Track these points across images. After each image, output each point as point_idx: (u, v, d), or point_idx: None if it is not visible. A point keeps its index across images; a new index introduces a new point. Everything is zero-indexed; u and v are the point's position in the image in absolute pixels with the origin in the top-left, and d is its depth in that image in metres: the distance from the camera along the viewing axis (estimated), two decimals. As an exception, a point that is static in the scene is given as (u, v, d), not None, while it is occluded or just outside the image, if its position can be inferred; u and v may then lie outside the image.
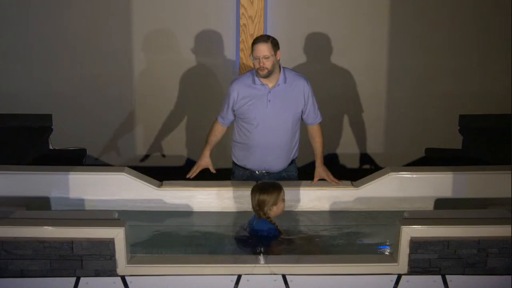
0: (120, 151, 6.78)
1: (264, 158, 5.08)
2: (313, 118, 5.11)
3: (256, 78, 4.98)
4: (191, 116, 6.74)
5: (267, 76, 4.91)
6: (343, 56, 6.63)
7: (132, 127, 6.77)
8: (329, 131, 6.73)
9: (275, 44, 4.89)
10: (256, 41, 4.90)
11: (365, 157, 6.91)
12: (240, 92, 5.00)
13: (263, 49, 4.85)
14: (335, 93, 6.71)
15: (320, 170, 5.14)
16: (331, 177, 5.11)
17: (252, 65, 5.11)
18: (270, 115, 4.98)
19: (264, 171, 5.15)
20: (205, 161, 5.16)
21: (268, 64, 4.86)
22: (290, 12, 6.53)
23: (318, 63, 6.64)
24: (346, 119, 6.82)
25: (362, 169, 6.82)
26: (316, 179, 5.13)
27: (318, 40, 6.57)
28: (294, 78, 5.02)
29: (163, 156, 6.83)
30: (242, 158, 5.17)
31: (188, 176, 5.09)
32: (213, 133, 5.17)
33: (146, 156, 6.83)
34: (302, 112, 5.06)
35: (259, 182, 4.79)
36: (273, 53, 4.86)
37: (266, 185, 4.61)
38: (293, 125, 5.06)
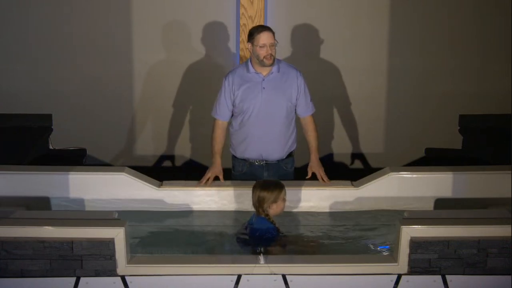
0: (120, 151, 6.78)
1: (261, 146, 5.08)
2: (305, 109, 5.11)
3: (250, 67, 5.00)
4: (191, 116, 6.73)
5: (272, 64, 4.92)
6: (343, 56, 6.63)
7: (132, 127, 6.77)
8: (329, 131, 6.73)
9: (274, 33, 4.94)
10: (261, 29, 4.92)
11: (365, 157, 6.91)
12: (235, 81, 5.03)
13: (270, 36, 4.88)
14: (335, 93, 6.70)
15: (314, 165, 5.14)
16: (322, 174, 5.11)
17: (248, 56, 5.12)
18: (265, 102, 4.99)
19: (262, 161, 5.15)
20: (218, 169, 5.10)
21: (274, 52, 4.90)
22: (290, 12, 6.53)
23: (318, 63, 6.63)
24: (346, 119, 6.81)
25: (362, 169, 6.81)
26: (309, 173, 5.14)
27: (318, 40, 6.57)
28: (287, 68, 5.07)
29: (162, 156, 6.84)
30: (240, 148, 5.16)
31: (201, 184, 5.04)
32: (217, 139, 5.12)
33: (147, 156, 6.82)
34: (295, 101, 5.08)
35: (262, 179, 4.79)
36: (275, 41, 4.91)
37: (268, 182, 4.61)
38: (288, 113, 5.07)
